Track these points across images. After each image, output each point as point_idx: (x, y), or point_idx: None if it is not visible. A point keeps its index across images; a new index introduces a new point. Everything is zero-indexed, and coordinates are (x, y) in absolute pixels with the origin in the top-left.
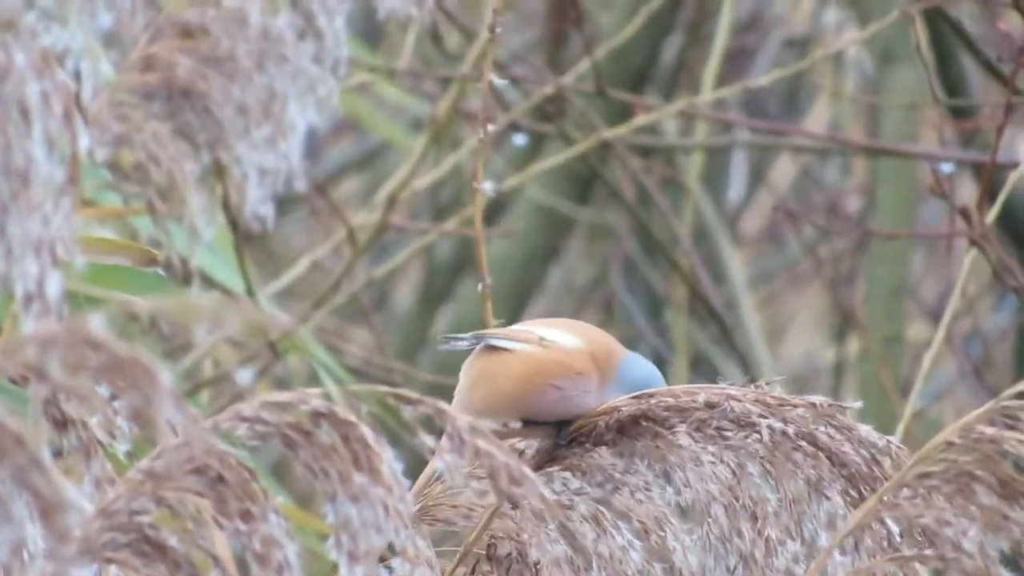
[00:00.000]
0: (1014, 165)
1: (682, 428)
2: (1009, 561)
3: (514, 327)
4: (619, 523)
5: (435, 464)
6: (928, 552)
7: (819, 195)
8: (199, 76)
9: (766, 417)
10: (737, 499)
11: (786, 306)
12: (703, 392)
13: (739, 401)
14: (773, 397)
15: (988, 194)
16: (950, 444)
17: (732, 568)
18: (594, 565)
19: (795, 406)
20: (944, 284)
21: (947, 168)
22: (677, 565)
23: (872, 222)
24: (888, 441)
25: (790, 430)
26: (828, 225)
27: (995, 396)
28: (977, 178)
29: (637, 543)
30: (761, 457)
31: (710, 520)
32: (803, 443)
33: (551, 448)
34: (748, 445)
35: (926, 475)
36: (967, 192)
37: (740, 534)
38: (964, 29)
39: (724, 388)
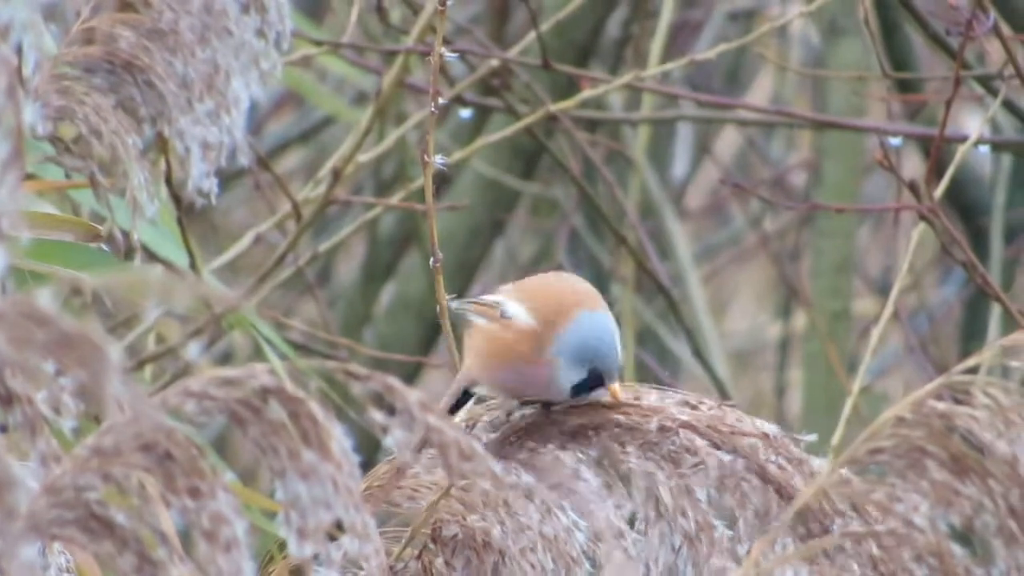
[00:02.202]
0: (961, 139)
1: (632, 448)
2: (960, 536)
3: (488, 296)
4: (564, 503)
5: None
6: (879, 528)
7: (765, 169)
8: (141, 49)
9: (718, 447)
10: (685, 514)
11: (732, 281)
12: (655, 417)
13: (692, 428)
14: (725, 425)
15: (935, 168)
16: (901, 419)
17: (677, 547)
18: (539, 547)
19: (746, 435)
20: (890, 258)
21: (895, 142)
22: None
23: (818, 196)
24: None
25: (739, 464)
26: (774, 199)
27: (942, 371)
28: (923, 152)
29: (582, 523)
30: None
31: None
32: (752, 476)
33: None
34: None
35: (877, 451)
36: (913, 166)
37: (684, 513)
38: (911, 2)
39: (680, 403)
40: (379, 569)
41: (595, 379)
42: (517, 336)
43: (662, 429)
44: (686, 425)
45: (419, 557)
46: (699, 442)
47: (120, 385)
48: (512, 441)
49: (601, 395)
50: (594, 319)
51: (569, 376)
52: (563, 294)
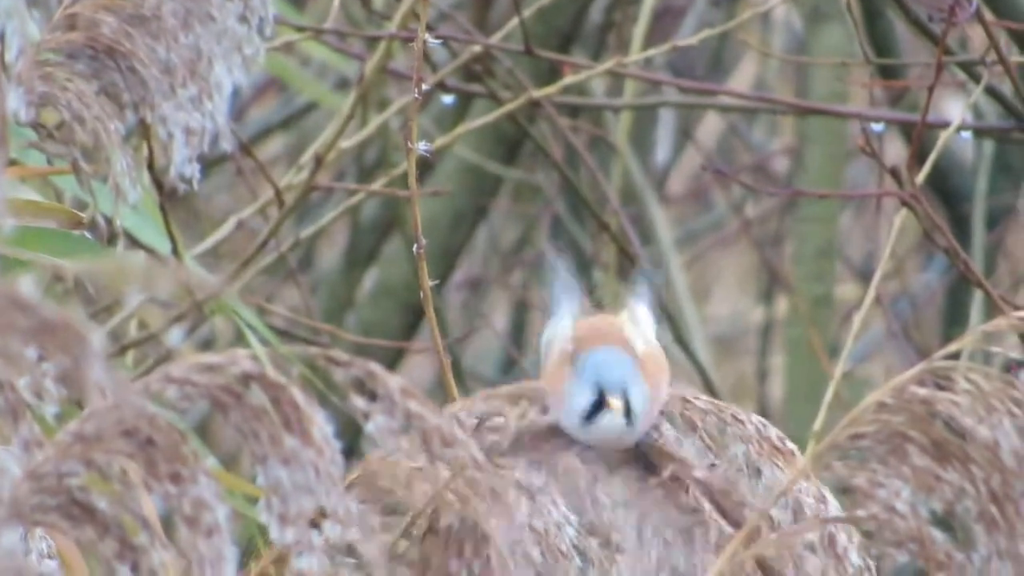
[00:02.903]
0: (944, 125)
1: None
2: (941, 522)
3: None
4: (556, 499)
5: (369, 426)
6: (860, 513)
7: (747, 155)
8: (124, 35)
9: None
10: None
11: (714, 266)
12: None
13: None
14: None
15: (918, 154)
16: (882, 405)
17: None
18: (528, 539)
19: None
20: (872, 244)
21: (877, 128)
22: (613, 540)
23: (800, 182)
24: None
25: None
26: (756, 185)
27: (923, 356)
28: (906, 138)
29: (572, 517)
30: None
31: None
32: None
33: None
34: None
35: (858, 436)
36: (896, 152)
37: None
38: None
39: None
40: (378, 551)
41: (601, 401)
42: (554, 361)
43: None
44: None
45: (420, 542)
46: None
47: (102, 371)
48: (526, 443)
49: (610, 425)
50: (611, 352)
51: (579, 400)
52: (603, 329)
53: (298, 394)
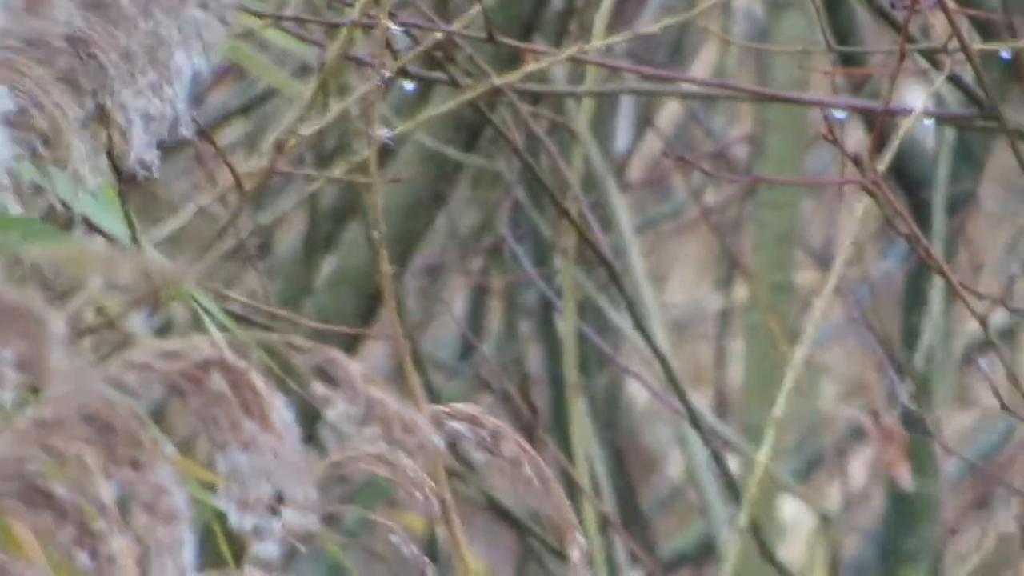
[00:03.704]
0: (905, 113)
1: None
2: None
3: None
4: None
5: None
6: None
7: (707, 142)
8: (84, 21)
9: None
10: None
11: (673, 253)
12: None
13: None
14: None
15: (879, 142)
16: None
17: None
18: None
19: None
20: (833, 231)
21: (839, 115)
22: None
23: (761, 169)
24: None
25: None
26: (716, 171)
27: (884, 342)
28: (867, 126)
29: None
30: None
31: None
32: None
33: None
34: None
35: None
36: (857, 140)
37: None
38: None
39: None
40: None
41: None
42: None
43: None
44: None
45: None
46: None
47: (62, 357)
48: None
49: None
50: None
51: None
52: None
53: (258, 380)
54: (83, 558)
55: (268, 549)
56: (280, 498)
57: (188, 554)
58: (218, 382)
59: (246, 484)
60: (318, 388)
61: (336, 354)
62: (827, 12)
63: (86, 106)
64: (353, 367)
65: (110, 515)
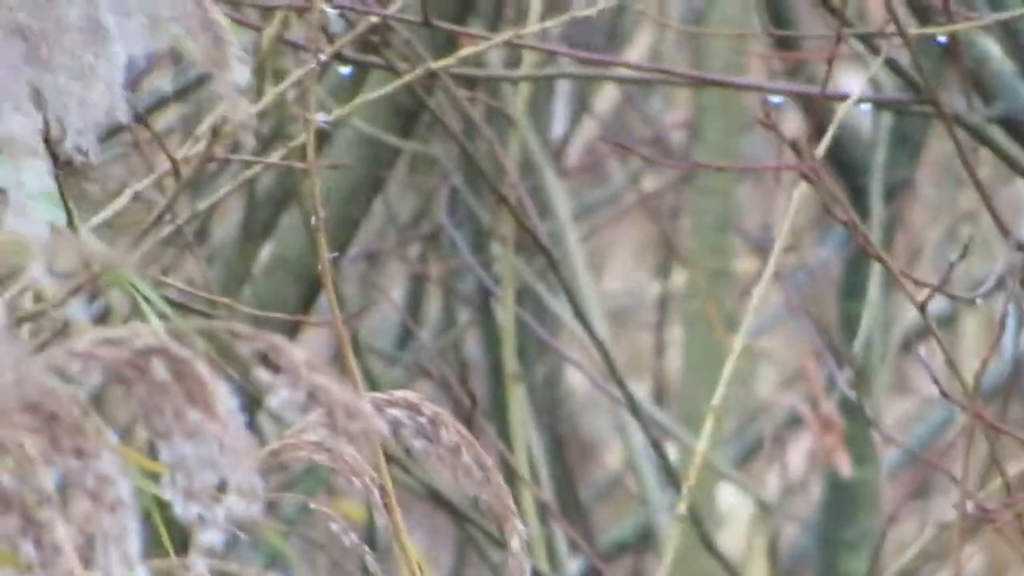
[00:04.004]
0: (842, 97)
1: None
2: None
3: None
4: None
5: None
6: None
7: (644, 127)
8: (18, 4)
9: None
10: None
11: (611, 239)
12: None
13: None
14: None
15: (816, 127)
16: None
17: None
18: None
19: None
20: (770, 217)
21: (776, 100)
22: None
23: (697, 154)
24: None
25: None
26: (653, 157)
27: (822, 330)
28: (804, 111)
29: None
30: None
31: None
32: None
33: None
34: None
35: None
36: (794, 125)
37: None
38: None
39: None
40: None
41: None
42: None
43: None
44: None
45: None
46: None
47: (3, 345)
48: None
49: None
50: None
51: None
52: None
53: (202, 368)
54: (27, 548)
55: (212, 538)
56: (225, 487)
57: (134, 543)
58: (161, 371)
59: (191, 473)
60: (261, 375)
61: (280, 341)
62: None
63: (22, 91)
64: (297, 354)
65: (54, 504)
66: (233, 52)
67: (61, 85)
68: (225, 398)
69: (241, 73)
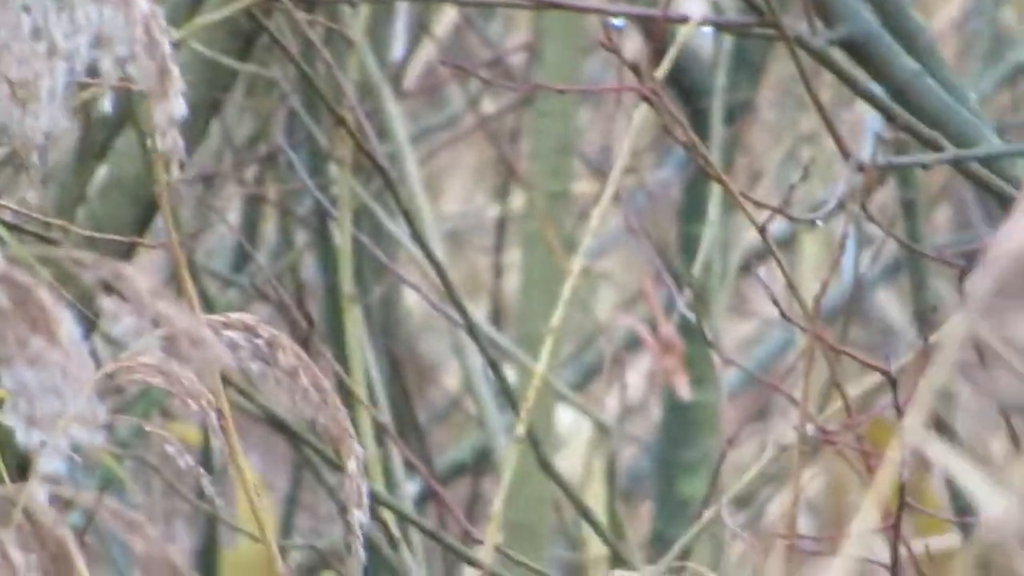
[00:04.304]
0: (683, 20)
1: None
2: None
3: None
4: None
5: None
6: None
7: (484, 50)
8: None
9: None
10: None
11: (449, 162)
12: None
13: None
14: None
15: (657, 49)
16: None
17: None
18: None
19: None
20: (610, 140)
21: (617, 23)
22: None
23: (538, 77)
24: None
25: None
26: (493, 79)
27: (661, 252)
28: (644, 33)
29: None
30: None
31: None
32: None
33: None
34: None
35: None
36: (634, 47)
37: None
38: None
39: None
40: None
41: None
42: None
43: None
44: None
45: None
46: None
47: None
48: None
49: None
50: None
51: None
52: None
53: (45, 295)
54: None
55: (54, 465)
56: (66, 413)
57: None
58: (2, 297)
59: (33, 400)
60: (105, 302)
61: (125, 268)
62: None
63: None
64: (140, 281)
65: None
66: (175, 83)
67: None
68: (68, 325)
69: (179, 105)
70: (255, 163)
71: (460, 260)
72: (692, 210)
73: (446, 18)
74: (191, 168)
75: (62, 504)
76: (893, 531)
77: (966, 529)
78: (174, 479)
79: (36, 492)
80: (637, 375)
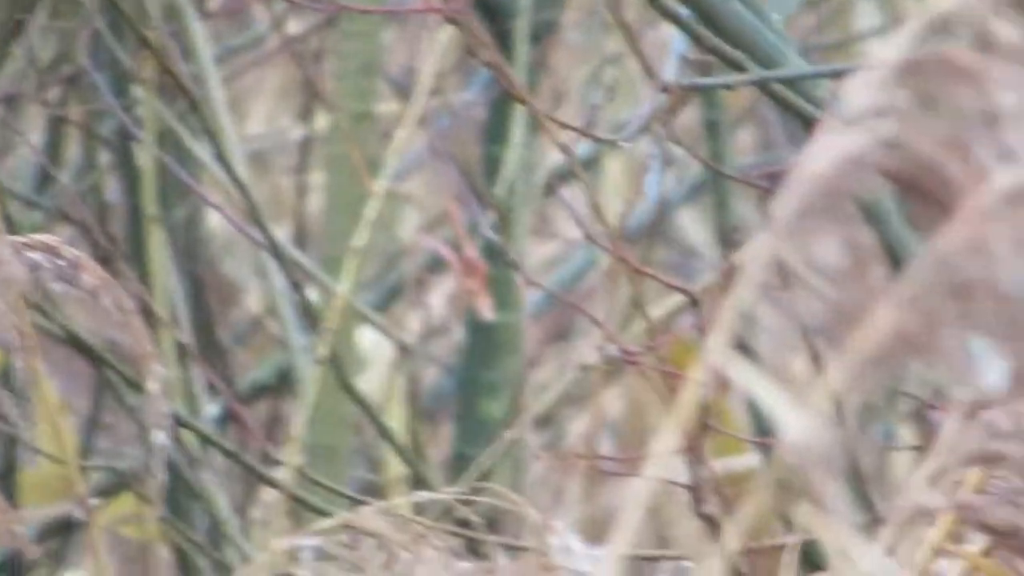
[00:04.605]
0: None
1: None
2: None
3: None
4: None
5: None
6: None
7: None
8: None
9: None
10: None
11: (253, 82)
12: None
13: None
14: None
15: None
16: None
17: None
18: None
19: None
20: (415, 60)
21: None
22: None
23: None
24: None
25: None
26: (299, 0)
27: (465, 173)
28: None
29: None
30: None
31: None
32: None
33: None
34: None
35: None
36: None
37: None
38: None
39: None
40: None
41: None
42: None
43: None
44: None
45: None
46: None
47: None
48: None
49: None
50: None
51: None
52: None
53: None
54: None
55: None
56: None
57: None
58: None
59: None
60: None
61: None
62: None
63: None
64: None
65: None
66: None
67: None
68: None
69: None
70: (58, 84)
71: (264, 181)
72: (496, 131)
73: None
74: None
75: None
76: (693, 452)
77: (766, 450)
78: None
79: None
80: (440, 296)
